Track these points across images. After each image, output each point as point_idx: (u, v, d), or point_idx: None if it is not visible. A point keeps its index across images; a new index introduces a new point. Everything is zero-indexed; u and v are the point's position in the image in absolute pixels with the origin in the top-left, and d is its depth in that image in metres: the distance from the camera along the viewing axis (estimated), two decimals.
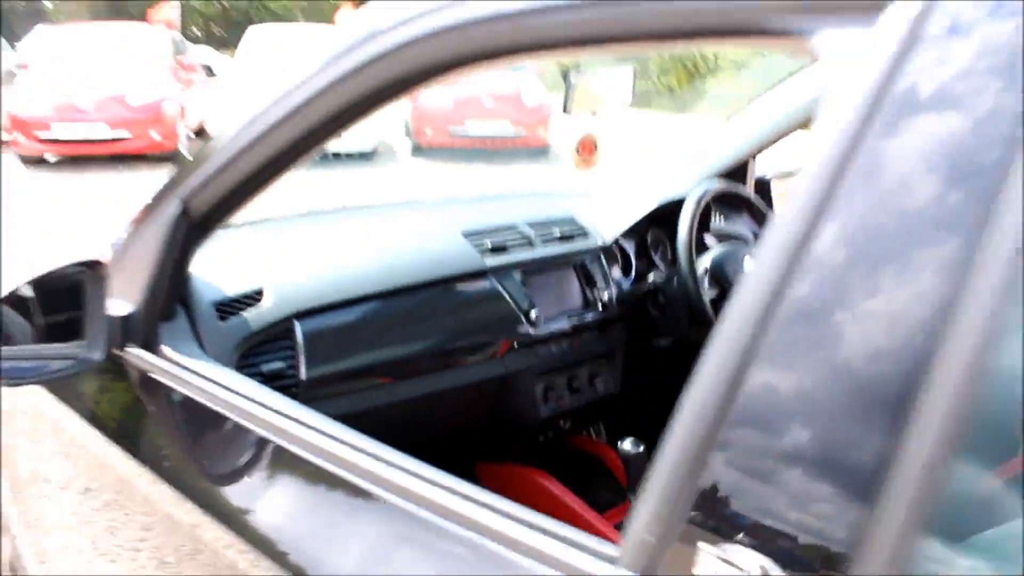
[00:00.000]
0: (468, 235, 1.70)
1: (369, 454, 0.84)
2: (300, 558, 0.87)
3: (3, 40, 11.99)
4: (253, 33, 12.46)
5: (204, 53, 13.57)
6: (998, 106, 0.48)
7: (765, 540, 0.54)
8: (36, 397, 1.40)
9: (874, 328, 0.51)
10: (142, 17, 13.61)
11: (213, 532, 0.97)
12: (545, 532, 0.69)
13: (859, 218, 0.52)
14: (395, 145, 11.12)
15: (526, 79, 10.76)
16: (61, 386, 1.33)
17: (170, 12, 12.67)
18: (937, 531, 0.49)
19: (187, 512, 1.02)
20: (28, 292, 1.25)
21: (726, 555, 0.56)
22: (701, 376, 0.58)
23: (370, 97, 0.97)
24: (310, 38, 11.75)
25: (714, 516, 0.56)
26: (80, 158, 9.47)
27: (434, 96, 9.93)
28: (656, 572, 0.59)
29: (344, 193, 7.58)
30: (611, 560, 0.63)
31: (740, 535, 0.55)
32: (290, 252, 1.56)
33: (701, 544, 0.57)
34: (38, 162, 9.67)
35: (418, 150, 10.58)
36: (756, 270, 0.56)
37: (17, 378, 1.23)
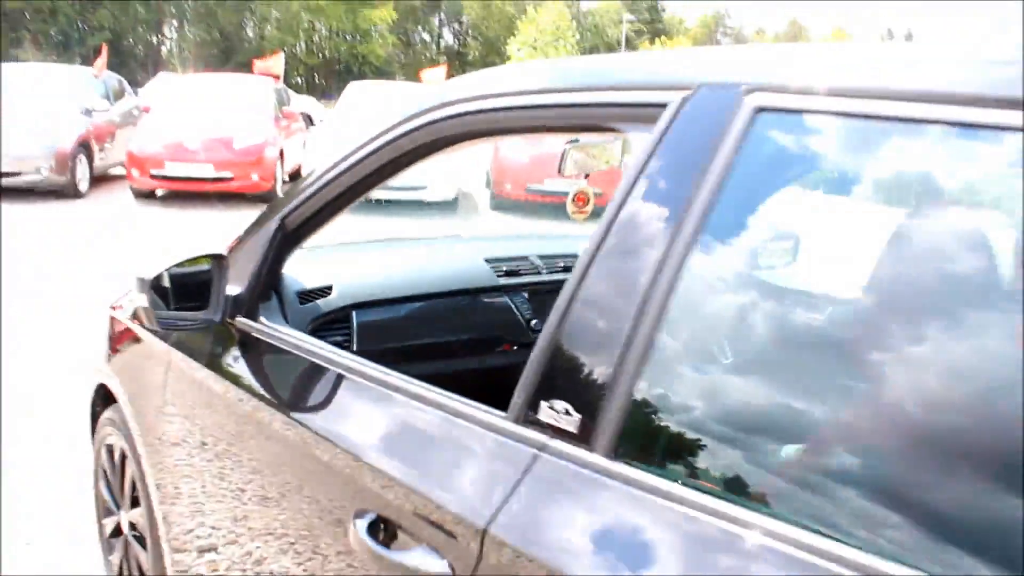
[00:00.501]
0: (489, 261, 2.23)
1: (412, 385, 1.32)
2: (372, 459, 1.28)
3: (126, 84, 13.22)
4: (352, 88, 13.48)
5: (306, 103, 14.60)
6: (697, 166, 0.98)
7: (571, 397, 1.04)
8: (162, 376, 1.96)
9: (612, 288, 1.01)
10: (251, 68, 14.79)
11: (306, 462, 1.44)
12: (480, 408, 1.19)
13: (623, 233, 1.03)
14: (476, 196, 11.79)
15: None
16: (189, 348, 1.88)
17: (275, 65, 13.75)
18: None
19: (286, 448, 1.50)
20: (167, 277, 1.80)
21: (551, 405, 1.05)
22: (552, 312, 1.09)
23: (407, 156, 1.50)
24: (401, 94, 12.65)
25: (548, 388, 1.07)
26: (186, 194, 10.42)
27: (515, 153, 10.56)
28: (518, 419, 1.09)
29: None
30: (503, 417, 1.13)
31: (558, 394, 1.05)
32: (354, 264, 2.10)
33: (541, 401, 1.07)
34: (148, 196, 10.65)
35: (496, 202, 11.15)
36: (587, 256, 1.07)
37: (169, 328, 1.80)
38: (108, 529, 2.49)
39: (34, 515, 2.98)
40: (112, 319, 2.44)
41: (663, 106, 1.05)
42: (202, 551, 1.86)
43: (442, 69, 16.38)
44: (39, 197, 10.02)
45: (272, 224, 1.75)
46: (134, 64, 38.66)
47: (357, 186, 1.62)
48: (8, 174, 9.80)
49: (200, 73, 15.56)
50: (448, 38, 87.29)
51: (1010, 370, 0.75)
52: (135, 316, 2.21)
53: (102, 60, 12.24)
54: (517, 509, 1.03)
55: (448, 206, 10.80)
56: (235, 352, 1.72)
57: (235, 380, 1.69)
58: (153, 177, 10.29)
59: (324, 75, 68.85)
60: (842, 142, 0.97)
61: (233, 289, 1.76)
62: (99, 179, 11.38)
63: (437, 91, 1.48)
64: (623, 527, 0.95)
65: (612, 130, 1.13)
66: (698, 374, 1.01)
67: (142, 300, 1.71)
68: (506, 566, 1.01)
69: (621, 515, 0.95)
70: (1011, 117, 0.79)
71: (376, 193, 1.91)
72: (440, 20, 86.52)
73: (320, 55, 72.13)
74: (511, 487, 1.05)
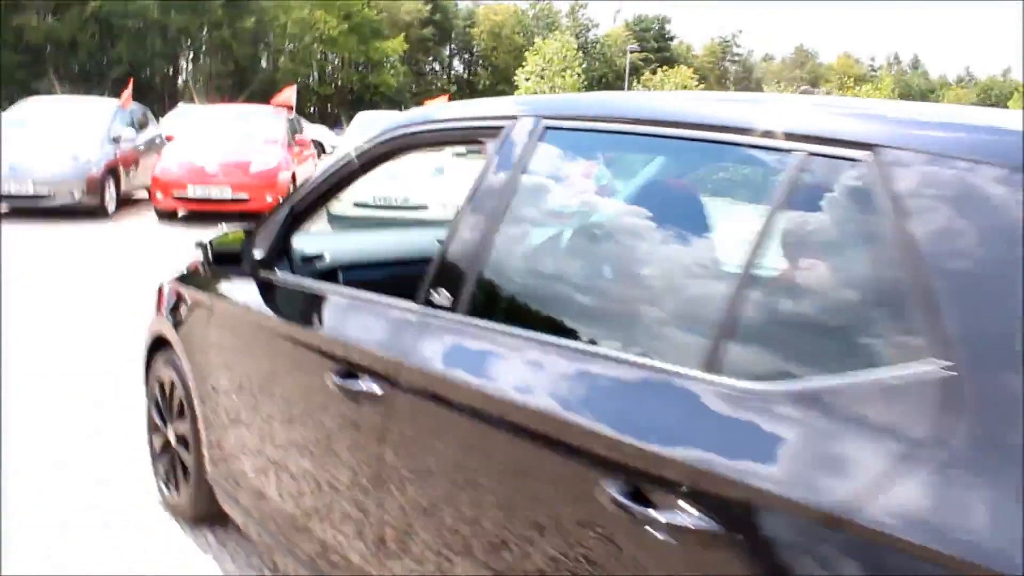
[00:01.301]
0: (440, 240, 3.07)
1: (374, 297, 2.15)
2: (352, 338, 2.09)
3: (150, 114, 14.21)
4: (360, 117, 14.45)
5: (318, 131, 15.61)
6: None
7: (447, 286, 1.88)
8: (205, 321, 2.80)
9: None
10: (265, 99, 15.80)
11: (304, 358, 2.27)
12: (402, 300, 2.02)
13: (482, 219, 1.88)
14: None
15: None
16: (226, 297, 2.72)
17: (288, 97, 14.78)
18: None
19: (292, 356, 2.33)
20: (211, 245, 2.66)
21: (437, 292, 1.89)
22: (436, 252, 1.93)
23: (375, 160, 2.34)
24: None
25: (434, 284, 1.90)
26: (205, 214, 11.33)
27: None
28: (421, 301, 1.94)
29: None
30: (415, 302, 1.97)
31: (440, 285, 1.90)
32: (344, 240, 2.94)
33: (431, 291, 1.91)
34: (171, 216, 11.57)
35: None
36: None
37: (218, 272, 2.66)
38: (157, 445, 3.32)
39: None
40: (161, 290, 3.28)
41: (498, 128, 1.90)
42: (238, 465, 2.67)
43: (443, 99, 17.36)
44: (73, 218, 10.94)
45: (284, 211, 2.60)
46: (151, 95, 39.97)
47: (339, 185, 2.48)
48: (45, 196, 10.73)
49: (218, 104, 16.60)
50: (458, 68, 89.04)
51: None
52: (185, 280, 3.07)
53: (128, 92, 13.24)
54: (423, 348, 1.86)
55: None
56: (259, 294, 2.56)
57: (260, 314, 2.54)
58: (176, 199, 11.21)
59: (337, 104, 70.27)
60: (587, 145, 1.83)
61: (258, 253, 2.61)
62: (125, 202, 12.32)
63: (396, 119, 2.34)
64: (477, 350, 1.78)
65: (479, 141, 1.98)
66: (510, 276, 1.85)
67: (198, 257, 2.57)
68: (424, 380, 1.81)
69: (476, 344, 1.78)
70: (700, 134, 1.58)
71: (383, 213, 2.81)
72: (451, 51, 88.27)
73: (333, 85, 73.72)
74: (418, 336, 1.88)
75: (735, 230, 1.51)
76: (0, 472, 2.80)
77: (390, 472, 1.88)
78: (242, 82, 59.29)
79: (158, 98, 46.47)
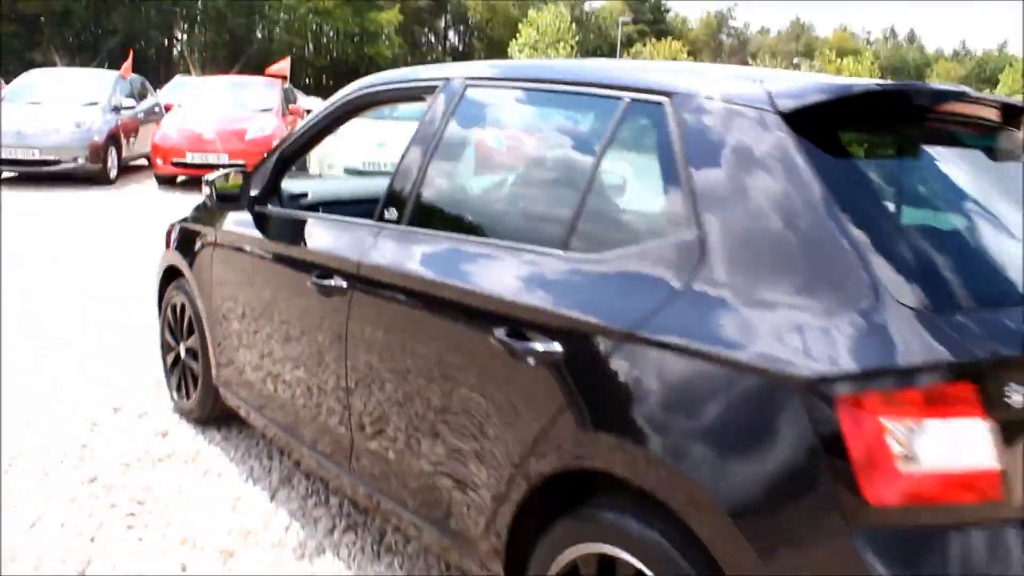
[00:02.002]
0: None
1: (342, 219, 2.78)
2: (330, 247, 2.78)
3: (149, 85, 14.72)
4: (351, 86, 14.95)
5: (312, 102, 16.14)
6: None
7: (394, 207, 2.51)
8: (211, 252, 3.41)
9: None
10: (259, 69, 16.29)
11: (290, 281, 2.91)
12: (363, 217, 2.65)
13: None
14: None
15: None
16: (227, 231, 3.34)
17: (283, 69, 15.29)
18: None
19: (283, 274, 2.95)
20: (215, 182, 3.28)
21: (388, 211, 2.52)
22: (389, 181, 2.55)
23: (342, 116, 2.96)
24: None
25: (386, 207, 2.53)
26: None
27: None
28: (377, 218, 2.57)
29: None
30: (373, 219, 2.60)
31: (390, 206, 2.53)
32: (321, 183, 3.55)
33: (384, 211, 2.55)
34: (170, 182, 12.14)
35: None
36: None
37: (222, 206, 3.28)
38: (169, 360, 3.95)
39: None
40: (170, 230, 3.90)
41: (435, 87, 2.51)
42: (239, 363, 3.30)
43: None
44: (77, 184, 11.50)
45: (275, 155, 3.21)
46: (146, 66, 40.18)
47: (319, 135, 3.10)
48: (51, 162, 11.29)
49: (214, 75, 17.09)
50: (454, 39, 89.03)
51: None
52: (192, 219, 3.68)
53: (127, 64, 13.76)
54: (377, 250, 2.48)
55: None
56: (254, 223, 3.18)
57: (255, 238, 3.16)
58: (175, 165, 11.77)
59: (332, 76, 70.27)
60: (494, 99, 2.46)
61: (254, 192, 3.22)
62: (126, 169, 12.87)
63: (358, 82, 2.95)
64: (415, 248, 2.39)
65: (421, 98, 2.59)
66: (437, 196, 2.48)
67: (206, 194, 3.19)
68: (377, 273, 2.44)
69: (414, 245, 2.40)
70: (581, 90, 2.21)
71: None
72: (446, 22, 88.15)
73: (328, 56, 73.70)
74: (373, 242, 2.50)
75: (582, 154, 2.14)
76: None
77: (351, 346, 2.52)
78: (237, 53, 59.35)
79: (153, 69, 46.66)
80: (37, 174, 11.43)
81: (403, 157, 2.53)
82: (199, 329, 3.61)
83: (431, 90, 2.57)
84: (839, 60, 19.20)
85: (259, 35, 69.57)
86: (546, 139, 2.40)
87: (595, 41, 79.21)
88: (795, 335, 1.52)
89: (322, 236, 2.82)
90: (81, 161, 11.43)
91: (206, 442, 3.64)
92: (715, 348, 1.60)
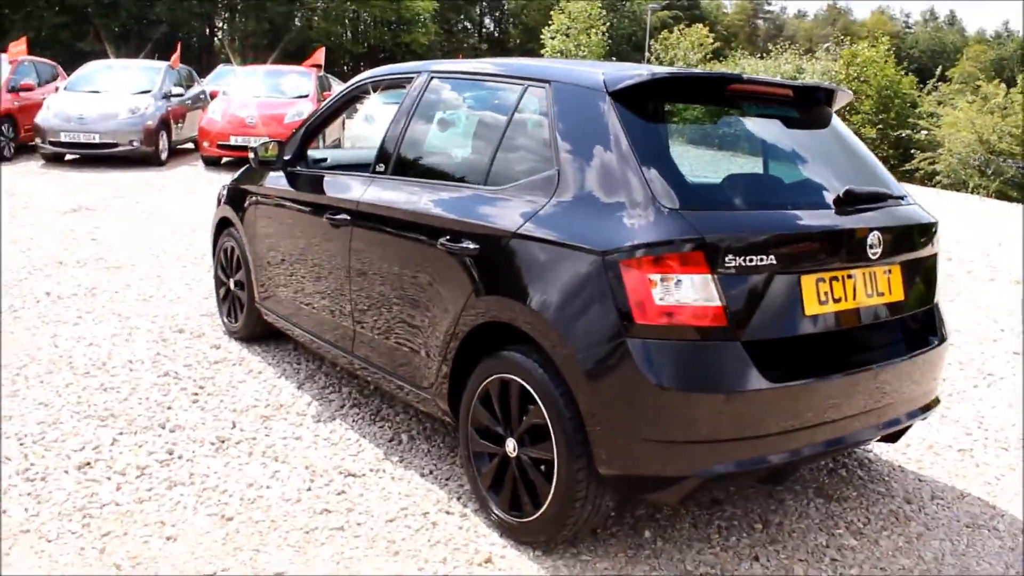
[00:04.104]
0: None
1: (347, 174, 3.81)
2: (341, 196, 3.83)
3: (195, 74, 15.91)
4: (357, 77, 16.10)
5: None
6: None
7: (382, 161, 3.55)
8: (254, 205, 4.45)
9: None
10: (299, 57, 17.44)
11: (316, 225, 3.96)
12: (357, 170, 3.68)
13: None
14: None
15: None
16: (266, 187, 4.38)
17: (318, 58, 16.42)
18: None
19: (312, 219, 3.99)
20: (258, 149, 4.33)
21: (379, 167, 3.54)
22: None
23: (352, 99, 3.99)
24: None
25: (376, 163, 3.56)
26: (245, 160, 13.00)
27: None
28: (372, 172, 3.60)
29: None
30: (368, 170, 3.63)
31: (380, 162, 3.57)
32: (336, 152, 4.57)
33: (376, 167, 3.58)
34: (215, 162, 13.30)
35: None
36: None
37: (262, 167, 4.34)
38: (222, 293, 5.03)
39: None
40: (221, 192, 4.96)
41: (411, 79, 3.52)
42: (274, 285, 4.35)
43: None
44: (133, 164, 12.70)
45: (302, 130, 4.25)
46: (189, 55, 41.72)
47: (334, 113, 4.13)
48: (109, 145, 12.49)
49: (257, 65, 18.28)
50: (489, 26, 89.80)
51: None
52: (239, 180, 4.74)
53: (176, 55, 14.96)
54: (369, 192, 3.50)
55: None
56: (286, 180, 4.22)
57: (286, 191, 4.20)
58: (220, 147, 12.91)
59: (369, 63, 71.37)
60: (450, 87, 3.46)
61: (286, 156, 4.26)
62: (175, 152, 14.07)
63: (361, 75, 3.97)
64: (395, 190, 3.40)
65: (402, 86, 3.59)
66: (410, 153, 3.48)
67: (251, 157, 4.25)
68: (370, 208, 3.47)
69: (394, 187, 3.41)
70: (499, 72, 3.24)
71: None
72: (482, 9, 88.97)
73: (365, 44, 74.88)
74: (366, 187, 3.52)
75: (498, 122, 3.14)
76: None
77: (353, 261, 3.56)
78: (276, 41, 60.72)
79: (195, 58, 48.12)
80: (97, 156, 12.63)
81: (388, 127, 3.55)
82: (245, 265, 4.67)
83: (409, 80, 3.58)
84: (854, 45, 19.82)
85: (298, 23, 70.86)
86: (478, 113, 3.41)
87: (629, 27, 79.41)
88: (602, 226, 2.52)
89: (334, 186, 3.85)
90: (136, 144, 12.60)
91: (250, 352, 4.71)
92: (559, 237, 2.61)
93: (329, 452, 3.53)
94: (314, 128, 4.25)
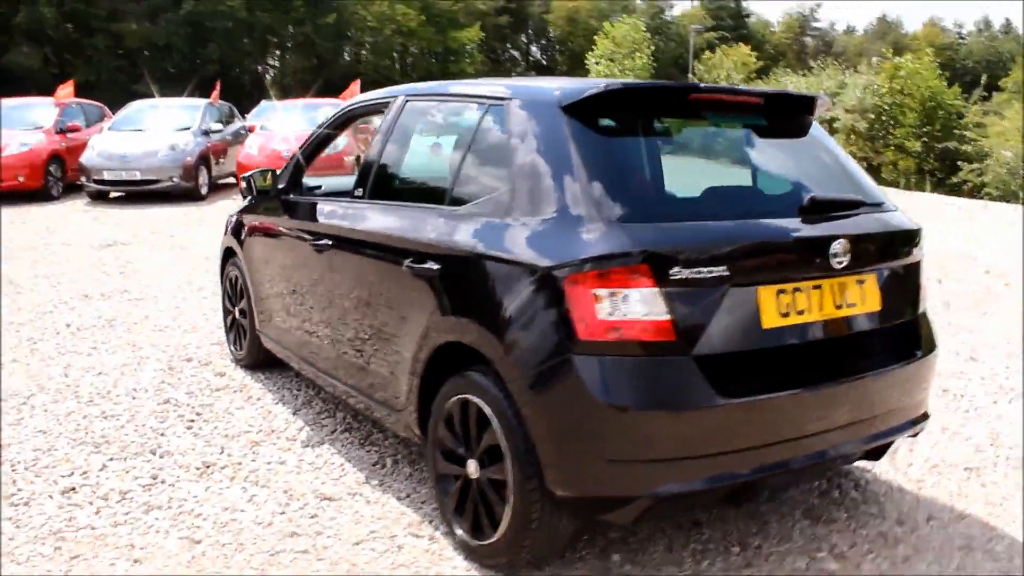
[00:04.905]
0: None
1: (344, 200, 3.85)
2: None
3: (235, 110, 16.31)
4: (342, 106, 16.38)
5: None
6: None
7: (361, 184, 3.58)
8: (253, 235, 4.52)
9: None
10: (337, 93, 17.76)
11: (305, 251, 4.01)
12: (347, 190, 3.71)
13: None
14: None
15: None
16: (263, 218, 4.45)
17: (354, 90, 16.71)
18: None
19: (305, 247, 4.03)
20: (251, 179, 4.40)
21: (360, 190, 3.57)
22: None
23: (340, 127, 4.04)
24: None
25: (358, 185, 3.59)
26: None
27: None
28: (359, 196, 3.63)
29: None
30: (351, 193, 3.66)
31: (360, 184, 3.59)
32: (327, 180, 4.63)
33: (356, 190, 3.60)
34: None
35: None
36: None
37: (257, 198, 4.38)
38: (228, 321, 5.10)
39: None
40: (229, 219, 5.04)
41: (388, 103, 3.55)
42: (270, 311, 4.40)
43: (356, 86, 18.94)
44: (174, 200, 13.03)
45: (295, 160, 4.30)
46: (241, 92, 42.79)
47: (324, 141, 4.17)
48: (151, 182, 12.83)
49: (294, 99, 18.67)
50: (536, 54, 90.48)
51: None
52: (241, 211, 4.81)
53: (216, 91, 15.36)
54: (350, 215, 3.53)
55: None
56: (281, 210, 4.27)
57: (281, 219, 4.25)
58: None
59: None
60: (423, 109, 3.48)
61: (280, 185, 4.32)
62: (216, 187, 14.40)
63: (345, 103, 4.02)
64: (370, 214, 3.42)
65: (382, 111, 3.62)
66: (386, 177, 3.49)
67: (243, 188, 4.31)
68: (348, 232, 3.49)
69: (371, 211, 3.43)
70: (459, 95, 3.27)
71: None
72: (528, 37, 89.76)
73: (413, 75, 76.02)
74: (347, 209, 3.55)
75: (461, 142, 3.15)
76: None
77: (333, 289, 3.58)
78: (326, 76, 61.99)
79: (247, 94, 49.25)
80: (140, 192, 12.99)
81: (368, 151, 3.57)
82: (246, 292, 4.73)
83: (387, 104, 3.61)
84: (896, 58, 19.43)
85: (347, 58, 72.23)
86: (445, 133, 3.42)
87: (676, 50, 79.25)
88: (548, 242, 2.50)
89: (318, 212, 3.89)
90: (176, 180, 12.94)
91: (252, 379, 4.76)
92: (509, 255, 2.59)
93: (311, 476, 3.54)
94: (306, 156, 4.31)
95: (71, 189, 13.47)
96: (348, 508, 3.26)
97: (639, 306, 2.36)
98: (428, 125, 3.56)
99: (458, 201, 2.96)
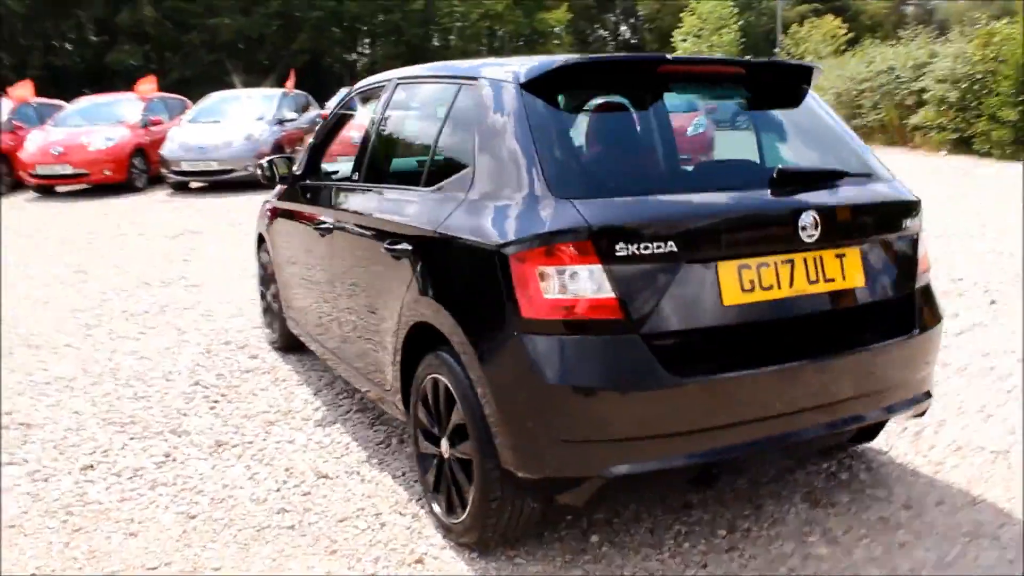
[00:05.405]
0: None
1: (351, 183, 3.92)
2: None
3: (311, 99, 16.69)
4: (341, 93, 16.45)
5: None
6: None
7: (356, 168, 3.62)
8: (275, 220, 4.63)
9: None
10: None
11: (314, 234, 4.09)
12: (355, 179, 3.76)
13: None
14: None
15: None
16: (284, 204, 4.55)
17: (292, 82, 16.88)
18: None
19: (317, 229, 4.12)
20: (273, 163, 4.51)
21: (358, 172, 3.62)
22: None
23: (345, 113, 4.10)
24: None
25: (357, 167, 3.64)
26: None
27: None
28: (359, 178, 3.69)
29: None
30: (356, 180, 3.71)
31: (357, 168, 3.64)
32: (340, 164, 4.70)
33: (354, 173, 3.65)
34: None
35: None
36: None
37: (275, 182, 4.50)
38: (263, 305, 5.25)
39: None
40: (263, 205, 5.18)
41: (383, 87, 3.58)
42: (291, 293, 4.50)
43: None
44: (252, 188, 13.40)
45: (311, 146, 4.38)
46: (331, 80, 43.70)
47: (334, 127, 4.24)
48: (227, 171, 13.27)
49: None
50: (625, 32, 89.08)
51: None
52: (271, 198, 4.93)
53: (291, 81, 15.74)
54: (345, 198, 3.58)
55: None
56: (298, 195, 4.36)
57: (294, 208, 4.34)
58: None
59: None
60: (413, 92, 3.50)
61: (297, 171, 4.41)
62: None
63: (345, 89, 4.06)
64: (357, 197, 3.47)
65: (377, 95, 3.65)
66: (379, 159, 3.52)
67: (259, 174, 4.42)
68: (345, 216, 3.55)
69: (357, 195, 3.48)
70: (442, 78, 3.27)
71: None
72: (616, 16, 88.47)
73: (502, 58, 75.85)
74: (344, 193, 3.60)
75: (436, 122, 3.14)
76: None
77: (334, 271, 3.64)
78: (413, 61, 62.40)
79: (337, 82, 50.30)
80: (218, 182, 13.45)
81: (364, 135, 3.61)
82: (275, 279, 4.86)
83: (382, 88, 3.64)
84: (989, 23, 18.26)
85: (436, 43, 72.78)
86: (426, 115, 3.42)
87: (768, 23, 76.85)
88: (500, 220, 2.48)
89: (323, 197, 3.96)
90: (251, 169, 13.29)
91: (283, 362, 4.89)
92: (465, 234, 2.58)
93: (314, 455, 3.62)
94: (319, 142, 4.38)
95: (156, 181, 14.04)
96: (342, 486, 3.32)
97: (584, 284, 2.31)
98: (412, 108, 3.57)
99: (432, 182, 2.97)
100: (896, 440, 3.67)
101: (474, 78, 2.90)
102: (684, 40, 49.98)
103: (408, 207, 3.00)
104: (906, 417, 3.02)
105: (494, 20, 69.98)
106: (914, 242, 2.91)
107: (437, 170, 2.98)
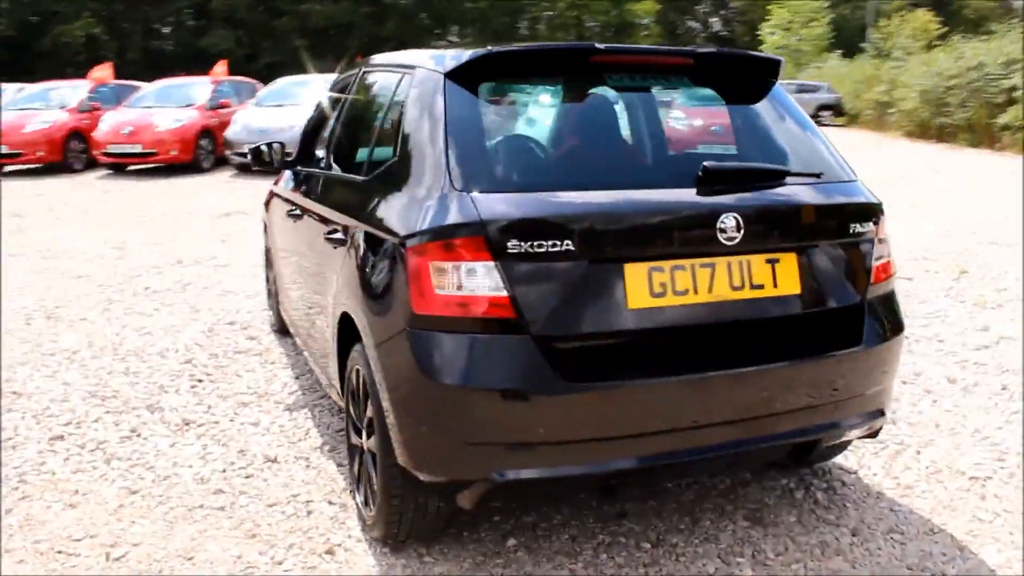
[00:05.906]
0: None
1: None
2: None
3: None
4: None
5: None
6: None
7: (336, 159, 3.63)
8: (270, 206, 4.69)
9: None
10: None
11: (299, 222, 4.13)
12: (341, 171, 3.77)
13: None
14: None
15: None
16: (276, 192, 4.60)
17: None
18: None
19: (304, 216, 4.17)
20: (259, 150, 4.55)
21: (333, 158, 3.63)
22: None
23: (332, 104, 4.11)
24: None
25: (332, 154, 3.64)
26: None
27: None
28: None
29: None
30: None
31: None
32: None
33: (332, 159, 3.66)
34: None
35: None
36: None
37: (262, 167, 4.55)
38: (266, 289, 5.33)
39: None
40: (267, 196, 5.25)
41: (356, 74, 3.57)
42: (279, 275, 4.55)
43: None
44: None
45: (304, 133, 4.41)
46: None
47: (322, 115, 4.25)
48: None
49: None
50: (715, 25, 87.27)
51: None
52: (272, 194, 4.99)
53: (340, 66, 15.93)
54: (310, 184, 3.59)
55: None
56: (284, 180, 4.40)
57: (280, 193, 4.38)
58: None
59: None
60: (376, 80, 3.46)
61: (289, 158, 4.44)
62: None
63: (332, 80, 4.07)
64: (315, 184, 3.47)
65: (350, 82, 3.64)
66: (334, 145, 3.52)
67: (250, 160, 4.48)
68: (306, 199, 3.57)
69: (316, 182, 3.47)
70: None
71: None
72: (707, 8, 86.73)
73: None
74: (312, 180, 3.61)
75: (382, 110, 3.11)
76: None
77: (301, 259, 3.67)
78: None
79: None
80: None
81: (332, 122, 3.62)
82: (273, 265, 4.92)
83: (351, 78, 3.63)
84: None
85: (524, 32, 72.75)
86: (374, 103, 3.39)
87: (858, 15, 74.24)
88: (406, 213, 2.44)
89: (300, 183, 3.98)
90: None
91: (278, 345, 4.96)
92: (377, 225, 2.57)
93: (272, 439, 3.66)
94: (309, 129, 4.40)
95: (222, 162, 14.43)
96: (285, 472, 3.35)
97: (475, 280, 2.25)
98: (369, 96, 3.55)
99: (370, 171, 2.95)
100: (871, 460, 3.50)
101: (413, 67, 2.86)
102: (772, 33, 48.78)
103: (348, 196, 3.00)
104: (855, 436, 2.86)
105: (581, 10, 69.58)
106: (866, 247, 2.73)
107: (374, 159, 2.96)
